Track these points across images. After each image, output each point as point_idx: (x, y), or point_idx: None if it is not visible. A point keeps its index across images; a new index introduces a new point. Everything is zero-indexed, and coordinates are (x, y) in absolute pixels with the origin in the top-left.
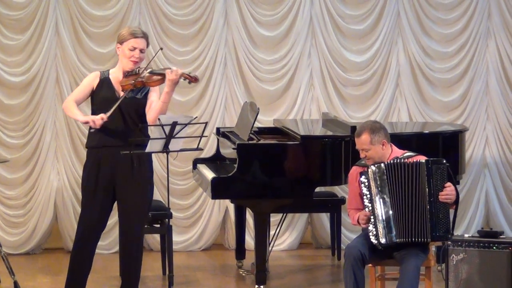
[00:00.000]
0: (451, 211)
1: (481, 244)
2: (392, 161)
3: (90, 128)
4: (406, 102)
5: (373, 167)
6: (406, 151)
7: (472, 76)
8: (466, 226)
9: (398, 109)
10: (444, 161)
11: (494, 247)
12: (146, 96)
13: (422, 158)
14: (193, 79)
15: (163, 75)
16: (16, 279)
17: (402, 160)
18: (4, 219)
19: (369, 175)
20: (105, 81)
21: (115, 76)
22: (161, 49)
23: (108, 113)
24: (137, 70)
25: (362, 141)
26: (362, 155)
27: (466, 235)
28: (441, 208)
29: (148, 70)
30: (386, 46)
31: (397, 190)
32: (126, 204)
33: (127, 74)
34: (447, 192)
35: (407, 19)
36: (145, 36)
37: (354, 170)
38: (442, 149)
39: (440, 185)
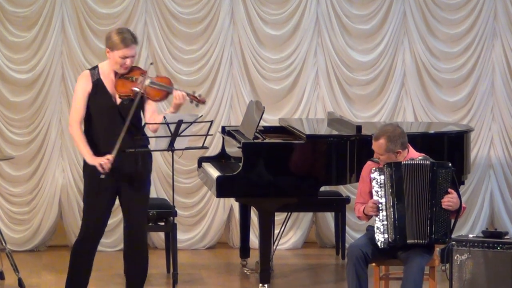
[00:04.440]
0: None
1: (486, 245)
2: (407, 162)
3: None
4: (411, 102)
5: (388, 167)
6: (423, 154)
7: (478, 77)
8: (471, 226)
9: (403, 109)
10: (450, 164)
11: (499, 248)
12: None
13: None
14: (200, 101)
15: (164, 92)
16: (21, 276)
17: (415, 161)
18: (9, 216)
19: (385, 172)
20: (98, 85)
21: (107, 75)
22: (152, 64)
23: (114, 153)
24: (133, 78)
25: (378, 145)
26: (376, 156)
27: (470, 235)
28: (441, 212)
29: (148, 81)
30: (392, 46)
31: (408, 190)
32: (133, 203)
33: (121, 76)
34: (449, 199)
35: (413, 19)
36: (135, 41)
37: (369, 165)
38: (447, 149)
39: (444, 189)
